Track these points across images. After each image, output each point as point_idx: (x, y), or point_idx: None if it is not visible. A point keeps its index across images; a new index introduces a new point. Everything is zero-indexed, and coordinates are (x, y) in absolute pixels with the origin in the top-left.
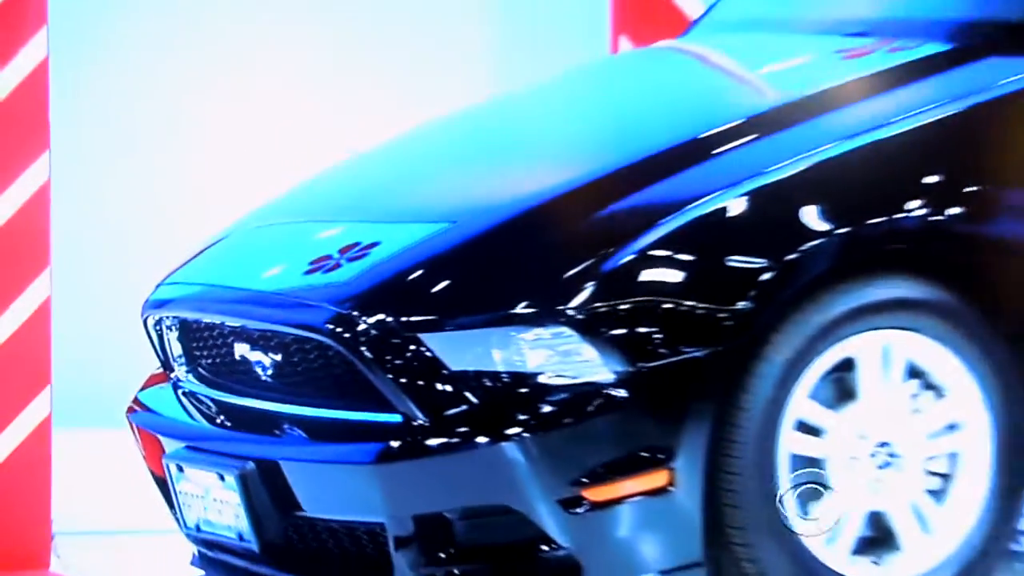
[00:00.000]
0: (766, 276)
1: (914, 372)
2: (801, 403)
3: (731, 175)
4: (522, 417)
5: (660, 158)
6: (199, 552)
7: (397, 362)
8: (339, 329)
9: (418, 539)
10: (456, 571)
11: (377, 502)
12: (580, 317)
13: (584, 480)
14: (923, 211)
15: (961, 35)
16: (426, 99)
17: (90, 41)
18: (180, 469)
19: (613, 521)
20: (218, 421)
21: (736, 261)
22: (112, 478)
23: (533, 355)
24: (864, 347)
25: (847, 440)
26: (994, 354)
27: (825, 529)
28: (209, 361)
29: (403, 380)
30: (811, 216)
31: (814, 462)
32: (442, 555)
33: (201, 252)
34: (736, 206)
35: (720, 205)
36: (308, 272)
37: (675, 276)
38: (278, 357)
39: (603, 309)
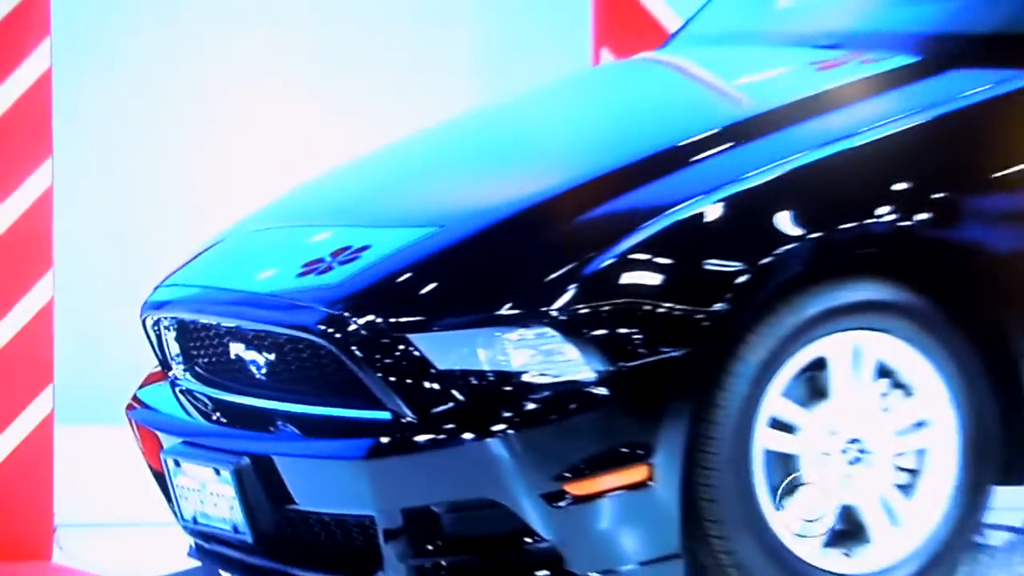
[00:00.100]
0: (742, 279)
1: (884, 371)
2: (775, 401)
3: (708, 182)
4: (507, 414)
5: (640, 165)
6: (196, 544)
7: (386, 361)
8: (331, 329)
9: (406, 531)
10: (443, 562)
11: (367, 496)
12: (563, 318)
13: (566, 475)
14: (892, 217)
15: (929, 48)
16: (407, 111)
17: (92, 51)
18: (177, 464)
19: (594, 514)
20: (214, 418)
21: (713, 264)
22: (112, 472)
23: (517, 355)
24: (836, 347)
25: (819, 437)
26: (961, 355)
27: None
28: (206, 360)
29: (392, 379)
30: (785, 221)
31: (788, 458)
32: (429, 547)
33: (198, 255)
34: (713, 211)
35: (698, 211)
36: (301, 275)
37: (654, 279)
38: (272, 356)
39: (585, 310)
